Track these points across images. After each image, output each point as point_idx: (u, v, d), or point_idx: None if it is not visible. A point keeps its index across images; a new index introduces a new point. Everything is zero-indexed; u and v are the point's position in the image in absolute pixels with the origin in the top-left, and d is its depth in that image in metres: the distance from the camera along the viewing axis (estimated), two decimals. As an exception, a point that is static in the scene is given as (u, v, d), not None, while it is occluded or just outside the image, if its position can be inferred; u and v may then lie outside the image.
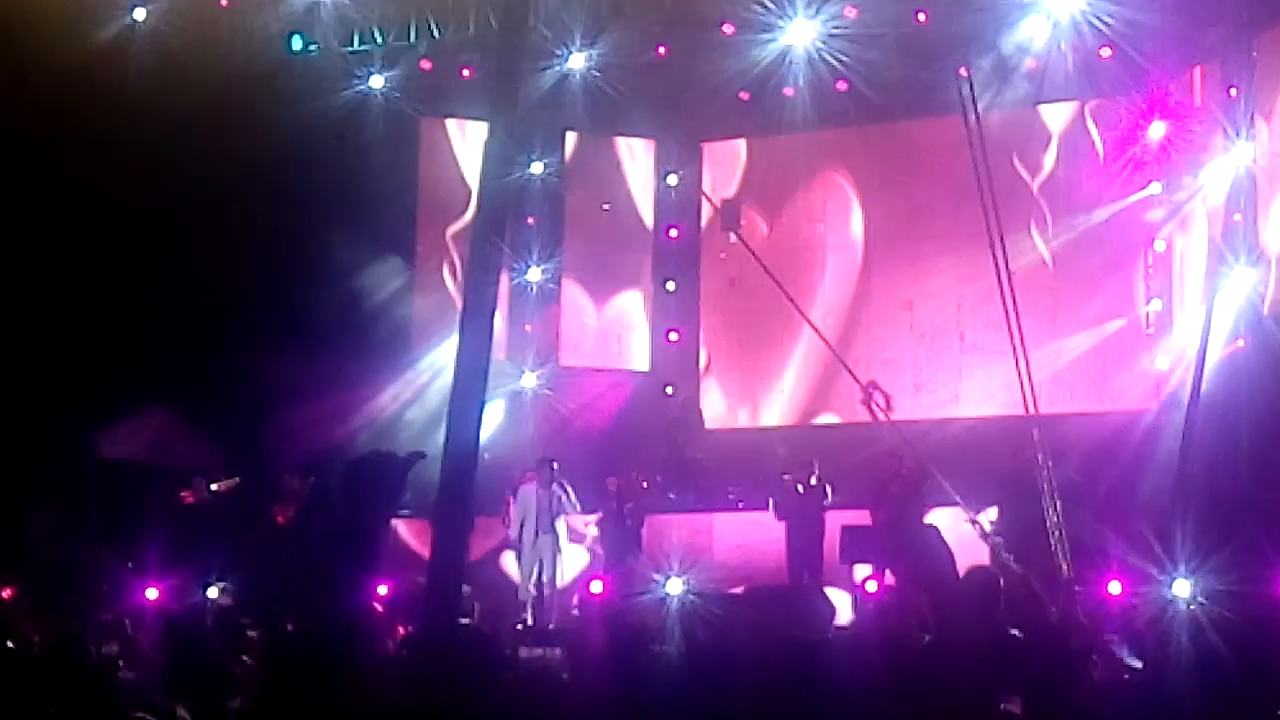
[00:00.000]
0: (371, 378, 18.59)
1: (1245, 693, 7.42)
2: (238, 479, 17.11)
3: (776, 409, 20.28)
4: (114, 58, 17.23)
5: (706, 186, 20.67)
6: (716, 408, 20.55)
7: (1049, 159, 18.54)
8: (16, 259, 16.98)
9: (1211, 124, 16.63)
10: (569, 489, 17.28)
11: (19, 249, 17.00)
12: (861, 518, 16.15)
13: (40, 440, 16.68)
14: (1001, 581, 8.69)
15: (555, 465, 17.31)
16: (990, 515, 15.86)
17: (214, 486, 16.94)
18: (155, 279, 17.30)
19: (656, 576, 15.01)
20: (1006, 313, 12.56)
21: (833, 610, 8.67)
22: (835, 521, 16.44)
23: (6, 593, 14.40)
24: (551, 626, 16.05)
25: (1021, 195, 18.18)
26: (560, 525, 17.22)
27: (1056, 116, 18.58)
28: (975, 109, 15.68)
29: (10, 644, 10.76)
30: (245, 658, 9.72)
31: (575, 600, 16.52)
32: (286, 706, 6.30)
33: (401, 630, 12.83)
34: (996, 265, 12.77)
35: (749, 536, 17.90)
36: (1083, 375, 18.22)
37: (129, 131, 16.69)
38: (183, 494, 16.91)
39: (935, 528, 15.13)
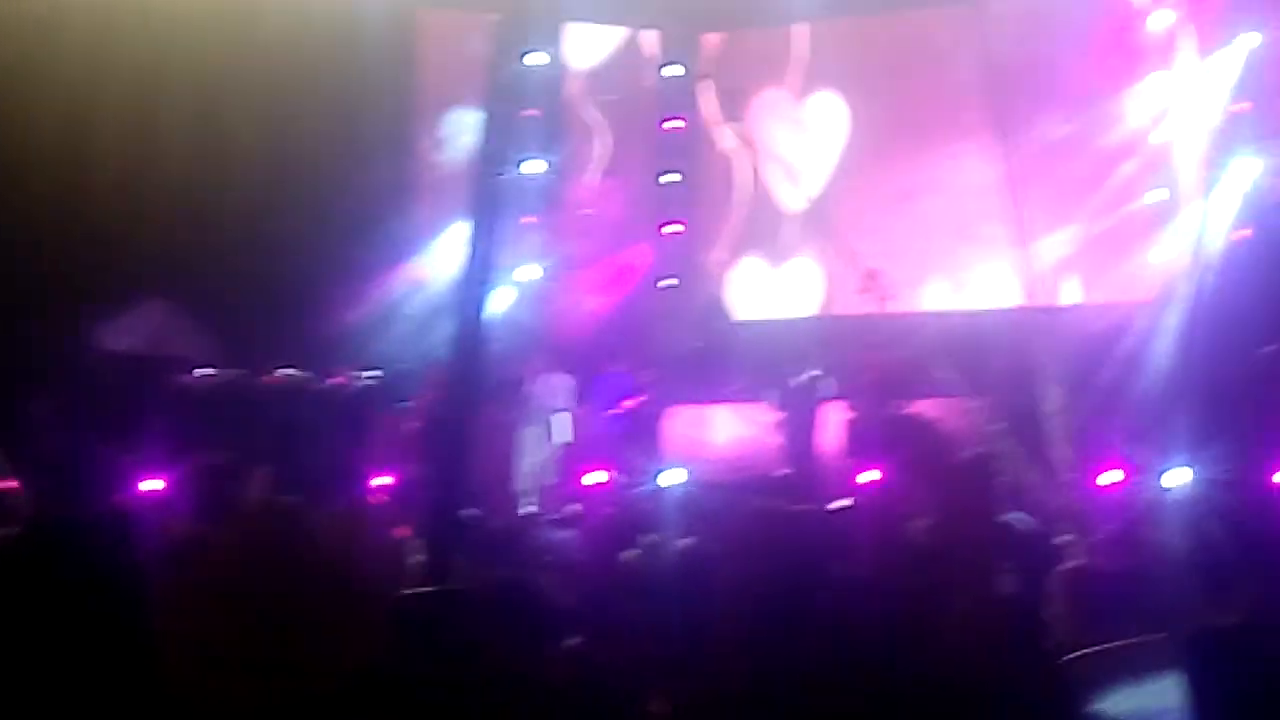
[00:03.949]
0: (367, 275, 18.48)
1: (1238, 581, 7.43)
2: None
3: (777, 301, 20.20)
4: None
5: (705, 79, 20.47)
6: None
7: (1052, 48, 18.28)
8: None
9: (1219, 11, 16.42)
10: (563, 381, 17.24)
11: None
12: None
13: (38, 331, 16.59)
14: (999, 467, 8.67)
15: (551, 357, 17.27)
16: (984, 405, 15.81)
17: None
18: (161, 179, 17.26)
19: (654, 468, 14.99)
20: (1011, 202, 12.46)
21: (827, 498, 8.67)
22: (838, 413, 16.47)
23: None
24: (548, 518, 16.04)
25: (1022, 85, 17.97)
26: (555, 418, 17.20)
27: (1059, 4, 18.30)
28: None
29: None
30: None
31: (568, 492, 16.52)
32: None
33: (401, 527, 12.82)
34: (1001, 155, 12.65)
35: (747, 429, 17.90)
36: (1083, 267, 18.10)
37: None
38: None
39: (922, 416, 15.15)
